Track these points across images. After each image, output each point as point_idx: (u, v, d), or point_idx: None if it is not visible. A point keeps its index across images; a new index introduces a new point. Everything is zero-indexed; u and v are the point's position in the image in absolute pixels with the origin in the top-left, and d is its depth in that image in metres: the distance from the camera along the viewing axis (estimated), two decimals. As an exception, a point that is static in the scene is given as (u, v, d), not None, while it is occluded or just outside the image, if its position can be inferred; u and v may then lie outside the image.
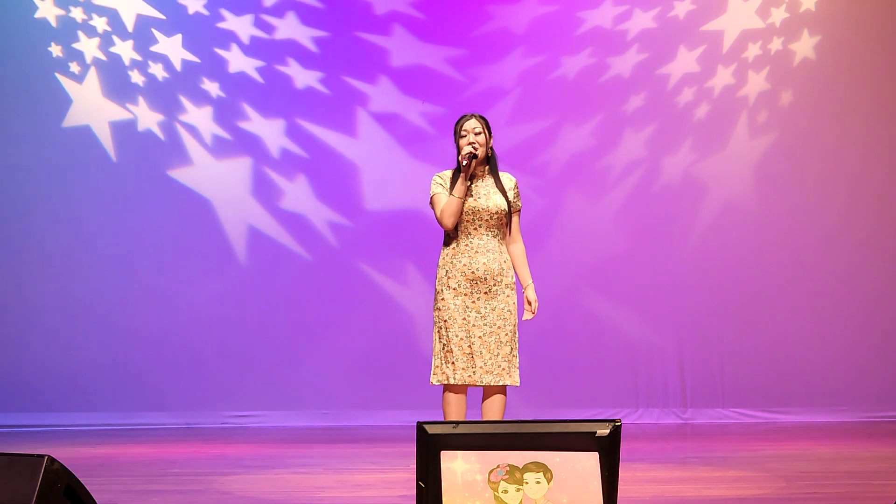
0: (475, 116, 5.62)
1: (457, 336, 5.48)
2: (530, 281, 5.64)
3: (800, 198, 9.41)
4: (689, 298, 9.33)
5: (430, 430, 3.31)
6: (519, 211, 5.66)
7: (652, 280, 9.35)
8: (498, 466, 3.29)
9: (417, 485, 3.28)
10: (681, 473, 6.40)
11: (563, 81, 9.42)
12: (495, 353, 5.49)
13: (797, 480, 5.86)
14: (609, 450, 3.29)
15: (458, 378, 5.47)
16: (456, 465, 3.29)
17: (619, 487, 3.33)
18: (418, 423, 3.33)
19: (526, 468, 3.29)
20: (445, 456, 3.29)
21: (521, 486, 3.29)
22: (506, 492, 3.28)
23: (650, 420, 9.23)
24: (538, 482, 3.29)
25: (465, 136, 5.56)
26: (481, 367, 5.47)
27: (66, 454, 6.96)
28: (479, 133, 5.57)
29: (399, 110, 9.38)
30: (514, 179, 5.68)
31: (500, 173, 5.64)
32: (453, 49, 9.40)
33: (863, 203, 9.41)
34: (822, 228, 9.39)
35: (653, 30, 9.42)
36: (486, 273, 5.51)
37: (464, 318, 5.50)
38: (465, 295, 5.51)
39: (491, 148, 5.63)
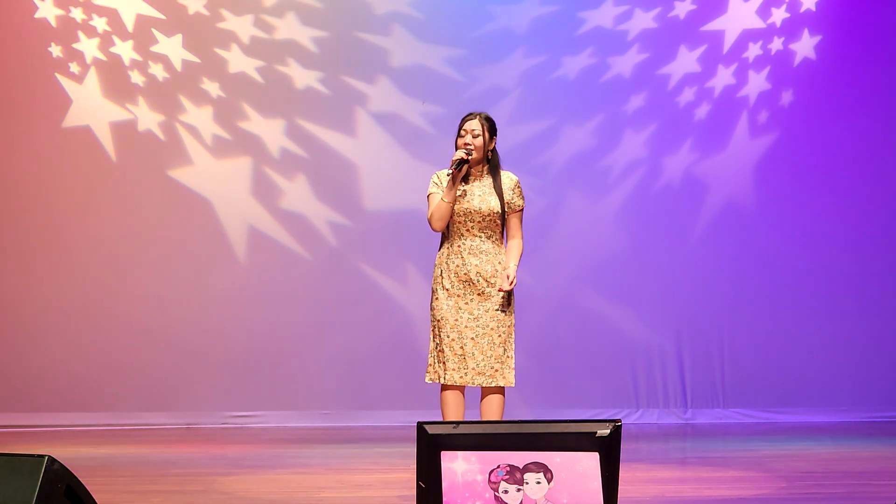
0: (479, 117, 5.56)
1: (448, 336, 5.46)
2: (512, 264, 5.49)
3: (800, 198, 9.41)
4: (689, 298, 9.33)
5: (431, 430, 3.31)
6: (520, 210, 5.62)
7: (652, 280, 9.35)
8: (498, 466, 3.29)
9: (417, 485, 3.28)
10: (681, 474, 6.40)
11: (564, 81, 9.42)
12: (488, 355, 5.46)
13: (797, 480, 5.86)
14: (609, 450, 3.29)
15: (448, 378, 5.45)
16: (456, 465, 3.29)
17: (619, 488, 3.32)
18: (418, 423, 3.33)
19: (526, 468, 3.29)
20: (446, 456, 3.29)
21: (521, 487, 3.29)
22: (506, 492, 3.28)
23: (650, 420, 9.23)
24: (538, 482, 3.29)
25: (464, 136, 5.54)
26: (473, 369, 5.45)
27: (66, 454, 6.95)
28: (478, 135, 5.52)
29: (399, 110, 9.37)
30: (514, 178, 5.61)
31: (502, 172, 5.61)
32: (453, 49, 9.39)
33: (863, 203, 9.41)
34: (822, 228, 9.39)
35: (653, 30, 9.42)
36: (478, 275, 5.47)
37: (456, 319, 5.47)
38: (458, 296, 5.49)
39: (493, 150, 5.60)
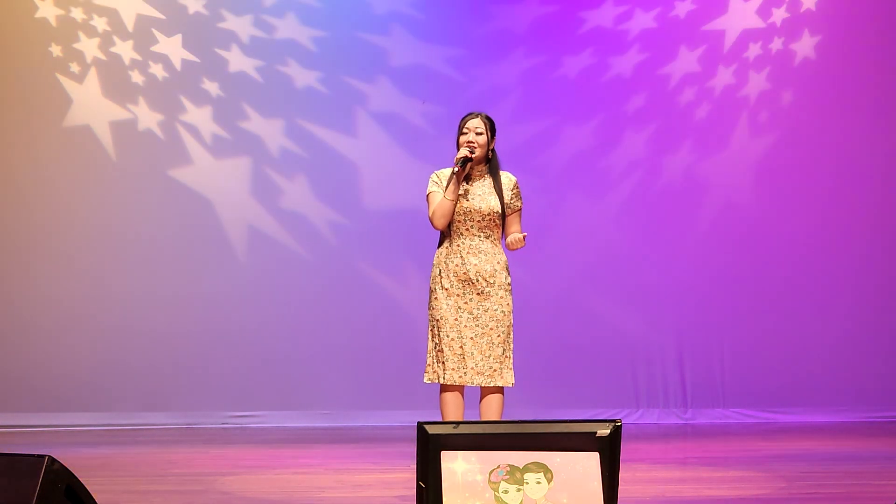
0: (480, 116, 5.58)
1: (447, 336, 5.46)
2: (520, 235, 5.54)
3: (800, 198, 9.41)
4: (689, 298, 9.33)
5: (431, 430, 3.30)
6: (519, 210, 5.64)
7: (652, 280, 9.35)
8: (498, 466, 3.29)
9: (418, 485, 3.28)
10: (681, 474, 6.40)
11: (564, 81, 9.42)
12: (487, 355, 5.46)
13: (797, 480, 5.86)
14: (609, 450, 3.29)
15: (447, 378, 5.45)
16: (456, 466, 3.28)
17: (619, 488, 3.32)
18: (418, 423, 3.33)
19: (526, 468, 3.29)
20: (446, 456, 3.29)
21: (521, 487, 3.29)
22: (506, 492, 3.28)
23: (650, 420, 9.23)
24: (538, 482, 3.29)
25: (467, 133, 5.54)
26: (472, 369, 5.45)
27: (66, 454, 6.94)
28: (481, 133, 5.53)
29: (399, 110, 9.37)
30: (514, 179, 5.63)
31: (502, 173, 5.62)
32: (453, 49, 9.40)
33: (863, 203, 9.41)
34: (822, 228, 9.39)
35: (653, 30, 9.42)
36: (477, 275, 5.48)
37: (455, 319, 5.47)
38: (458, 296, 5.49)
39: (492, 150, 5.61)
